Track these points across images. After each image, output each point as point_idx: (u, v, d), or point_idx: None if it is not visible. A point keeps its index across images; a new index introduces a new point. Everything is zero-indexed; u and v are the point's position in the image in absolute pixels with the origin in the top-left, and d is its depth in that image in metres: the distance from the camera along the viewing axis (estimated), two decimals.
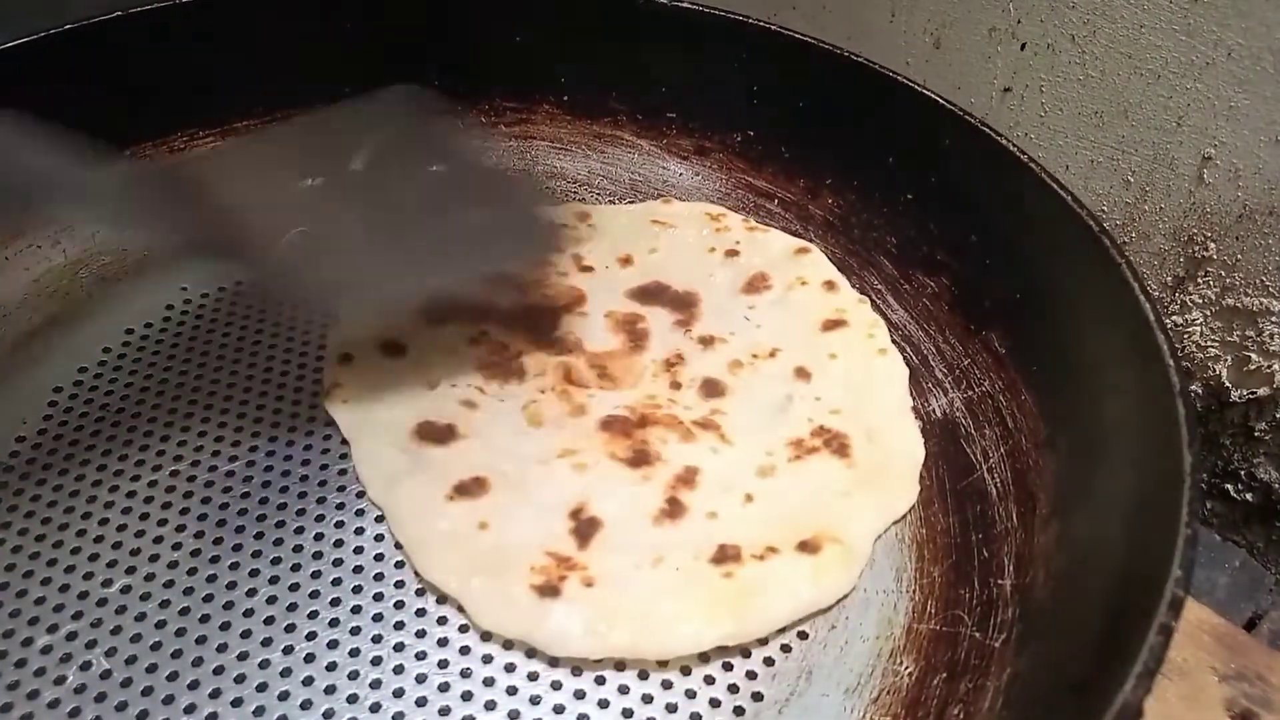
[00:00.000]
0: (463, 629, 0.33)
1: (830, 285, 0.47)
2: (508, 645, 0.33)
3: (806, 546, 0.35)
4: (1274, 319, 0.48)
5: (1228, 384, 0.51)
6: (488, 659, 0.33)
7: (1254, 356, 0.50)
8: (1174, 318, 0.52)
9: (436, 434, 0.39)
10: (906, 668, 0.34)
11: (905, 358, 0.44)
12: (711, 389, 0.42)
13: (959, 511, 0.39)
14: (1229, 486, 0.53)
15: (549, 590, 0.33)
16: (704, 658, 0.33)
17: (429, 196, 0.42)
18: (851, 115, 0.50)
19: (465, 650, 0.33)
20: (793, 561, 0.35)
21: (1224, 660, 0.40)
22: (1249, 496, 0.53)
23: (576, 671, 0.33)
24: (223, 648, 0.32)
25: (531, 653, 0.33)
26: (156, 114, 0.50)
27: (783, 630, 0.34)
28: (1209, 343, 0.52)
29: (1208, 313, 0.51)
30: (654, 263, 0.48)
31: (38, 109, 0.46)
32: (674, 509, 0.37)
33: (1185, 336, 0.52)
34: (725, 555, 0.35)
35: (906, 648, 0.34)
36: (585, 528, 0.36)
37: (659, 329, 0.45)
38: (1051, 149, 0.53)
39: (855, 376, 0.43)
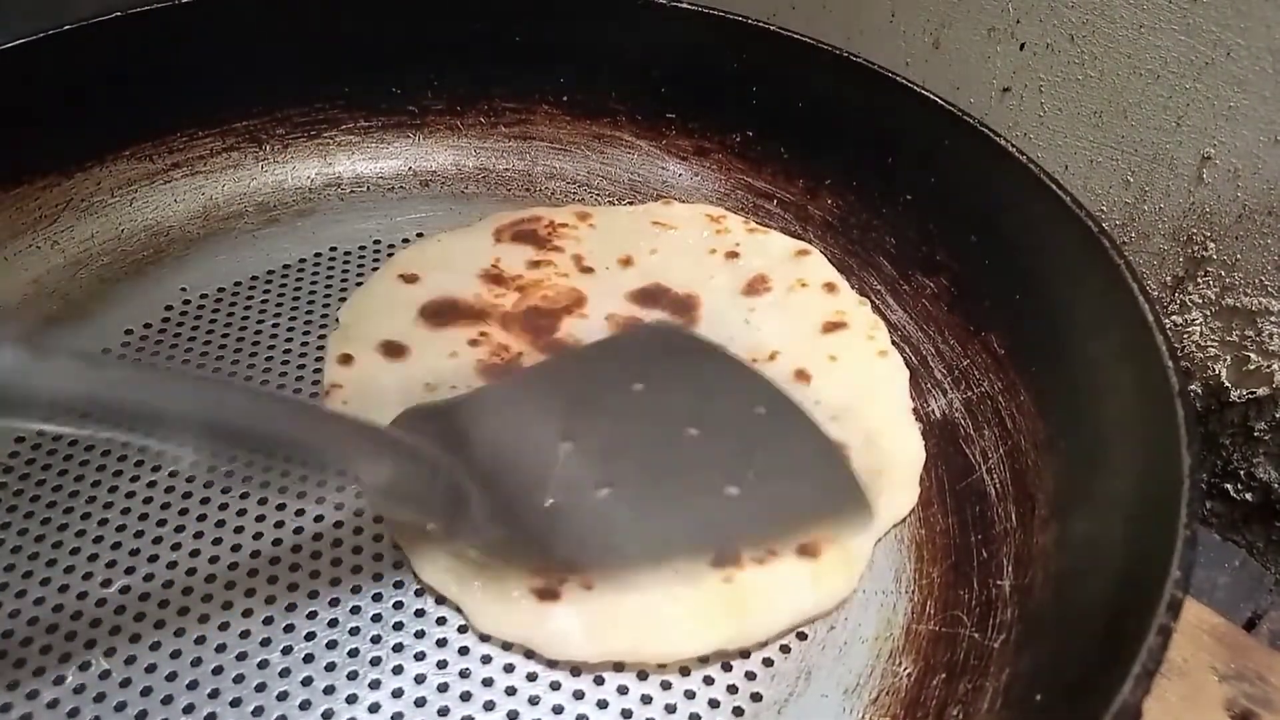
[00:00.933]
0: (461, 629, 0.33)
1: (830, 287, 0.47)
2: (506, 646, 0.33)
3: (806, 550, 0.35)
4: (1273, 319, 0.48)
5: (1227, 384, 0.51)
6: (486, 659, 0.33)
7: (1253, 356, 0.50)
8: (1173, 318, 0.52)
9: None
10: (905, 668, 0.34)
11: (904, 358, 0.44)
12: None
13: (958, 512, 0.39)
14: (1228, 486, 0.53)
15: (548, 594, 0.33)
16: (703, 659, 0.33)
17: (707, 448, 0.37)
18: (851, 115, 0.50)
19: (464, 650, 0.33)
20: (793, 565, 0.35)
21: (1224, 660, 0.40)
22: (1248, 496, 0.53)
23: (575, 672, 0.33)
24: (221, 648, 0.32)
25: (530, 653, 0.33)
26: (156, 114, 0.50)
27: (782, 631, 0.34)
28: (1208, 343, 0.52)
29: (1207, 313, 0.51)
30: (654, 264, 0.48)
31: (38, 109, 0.47)
32: None
33: (1185, 336, 0.52)
34: (725, 559, 0.35)
35: (905, 648, 0.34)
36: None
37: None
38: (1051, 149, 0.53)
39: (855, 379, 0.43)
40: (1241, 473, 0.53)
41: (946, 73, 0.55)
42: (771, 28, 0.51)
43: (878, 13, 0.57)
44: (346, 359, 0.42)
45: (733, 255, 0.49)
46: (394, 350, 0.42)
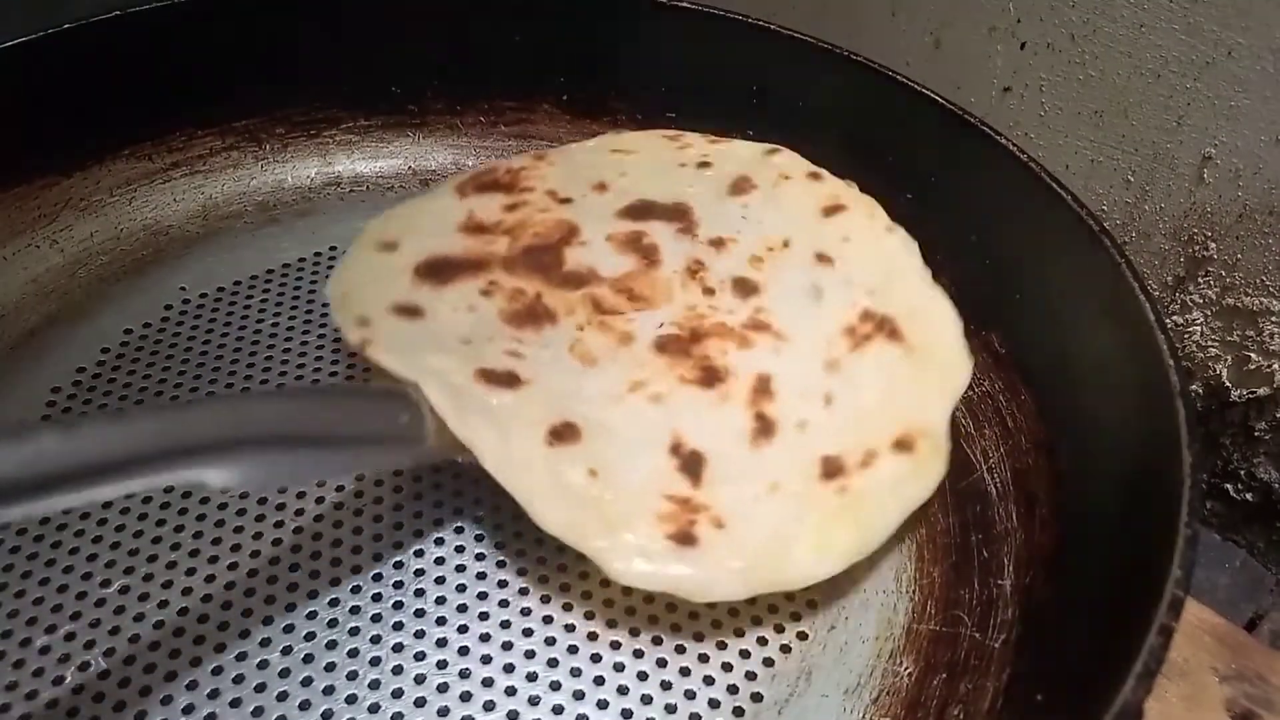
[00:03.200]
0: (461, 629, 0.33)
1: (815, 176, 0.46)
2: (507, 646, 0.33)
3: (902, 445, 0.35)
4: (1274, 318, 0.48)
5: (1228, 384, 0.51)
6: (486, 659, 0.33)
7: (1254, 356, 0.50)
8: (1174, 317, 0.52)
9: (501, 379, 0.36)
10: (906, 668, 0.34)
11: None
12: (744, 288, 0.41)
13: (959, 512, 0.39)
14: (1229, 486, 0.53)
15: (686, 538, 0.32)
16: (703, 658, 0.33)
17: None
18: (851, 115, 0.50)
19: (464, 651, 0.33)
20: (894, 463, 0.35)
21: (1224, 660, 0.40)
22: (1249, 496, 0.53)
23: (575, 673, 0.33)
24: (220, 648, 0.32)
25: (531, 653, 0.33)
26: (156, 114, 0.50)
27: (782, 630, 0.34)
28: (1209, 342, 0.51)
29: (1208, 312, 0.51)
30: (629, 185, 0.46)
31: (38, 109, 0.47)
32: (764, 426, 0.36)
33: (1185, 336, 0.52)
34: (832, 469, 0.35)
35: (906, 648, 0.34)
36: (691, 463, 0.35)
37: (666, 240, 0.43)
38: (1051, 148, 0.53)
39: (873, 256, 0.42)
40: (1242, 473, 0.53)
41: (947, 72, 0.55)
42: (771, 27, 0.50)
43: (878, 12, 0.57)
44: (364, 321, 0.38)
45: (704, 165, 0.47)
46: (409, 312, 0.39)
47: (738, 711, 0.32)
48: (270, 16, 0.51)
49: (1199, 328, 0.51)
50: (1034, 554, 0.35)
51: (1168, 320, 0.51)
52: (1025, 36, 0.51)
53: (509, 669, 0.33)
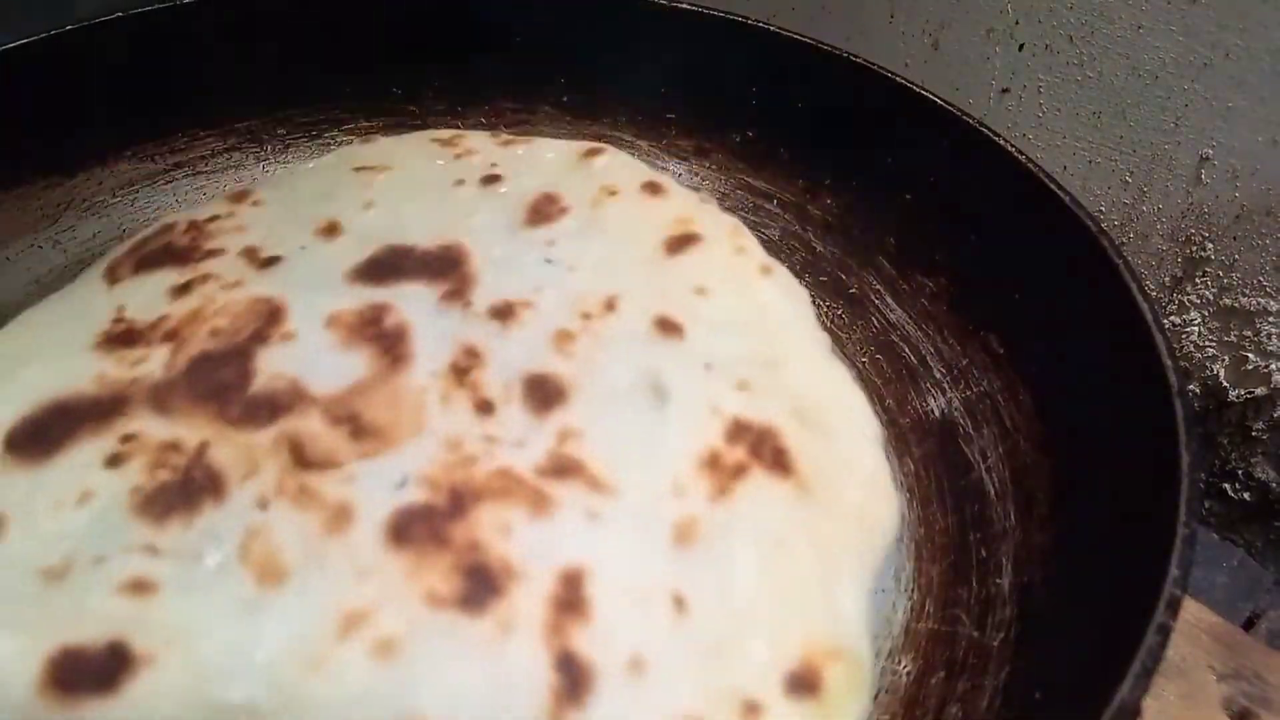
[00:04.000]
0: None
1: (654, 188, 0.33)
2: None
3: (800, 683, 0.22)
4: (1271, 319, 0.49)
5: (1225, 384, 0.52)
6: None
7: (1251, 356, 0.50)
8: (1172, 318, 0.52)
9: (93, 674, 0.21)
10: (905, 666, 0.34)
11: (903, 357, 0.44)
12: (544, 394, 0.26)
13: (957, 511, 0.39)
14: (1227, 486, 0.54)
15: None
16: None
17: None
18: (850, 116, 0.50)
19: None
20: (790, 718, 0.21)
21: (1222, 659, 0.40)
22: (1246, 496, 0.53)
23: None
24: None
25: None
26: (156, 114, 0.50)
27: None
28: (1207, 343, 0.52)
29: (1205, 313, 0.51)
30: (375, 222, 0.32)
31: (41, 110, 0.47)
32: (573, 681, 0.21)
33: (1183, 337, 0.52)
34: None
35: (905, 646, 0.34)
36: None
37: (421, 315, 0.28)
38: (1050, 149, 0.53)
39: (743, 317, 0.29)
40: (1240, 472, 0.53)
41: (946, 73, 0.55)
42: (771, 28, 0.51)
43: (877, 13, 0.57)
44: None
45: (492, 180, 0.33)
46: None
47: None
48: (271, 17, 0.51)
49: (1196, 328, 0.52)
50: (1032, 553, 0.36)
51: (1165, 321, 0.52)
52: (1023, 38, 0.52)
53: None
